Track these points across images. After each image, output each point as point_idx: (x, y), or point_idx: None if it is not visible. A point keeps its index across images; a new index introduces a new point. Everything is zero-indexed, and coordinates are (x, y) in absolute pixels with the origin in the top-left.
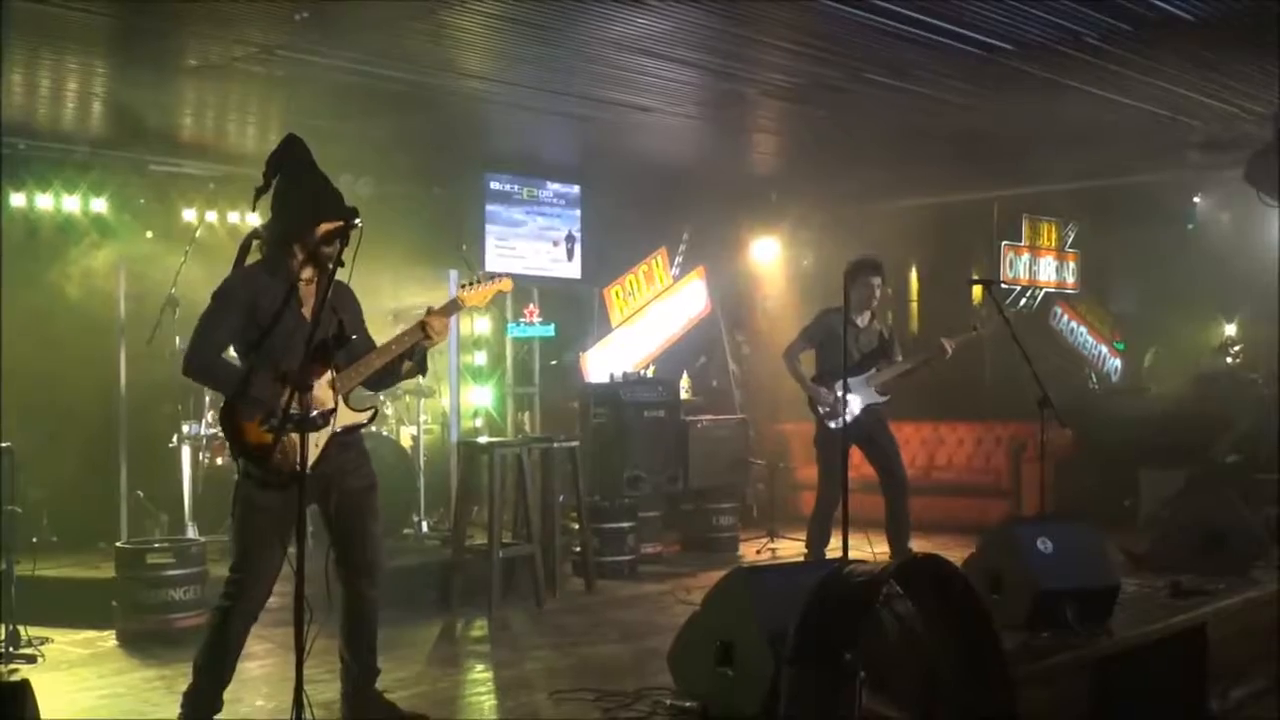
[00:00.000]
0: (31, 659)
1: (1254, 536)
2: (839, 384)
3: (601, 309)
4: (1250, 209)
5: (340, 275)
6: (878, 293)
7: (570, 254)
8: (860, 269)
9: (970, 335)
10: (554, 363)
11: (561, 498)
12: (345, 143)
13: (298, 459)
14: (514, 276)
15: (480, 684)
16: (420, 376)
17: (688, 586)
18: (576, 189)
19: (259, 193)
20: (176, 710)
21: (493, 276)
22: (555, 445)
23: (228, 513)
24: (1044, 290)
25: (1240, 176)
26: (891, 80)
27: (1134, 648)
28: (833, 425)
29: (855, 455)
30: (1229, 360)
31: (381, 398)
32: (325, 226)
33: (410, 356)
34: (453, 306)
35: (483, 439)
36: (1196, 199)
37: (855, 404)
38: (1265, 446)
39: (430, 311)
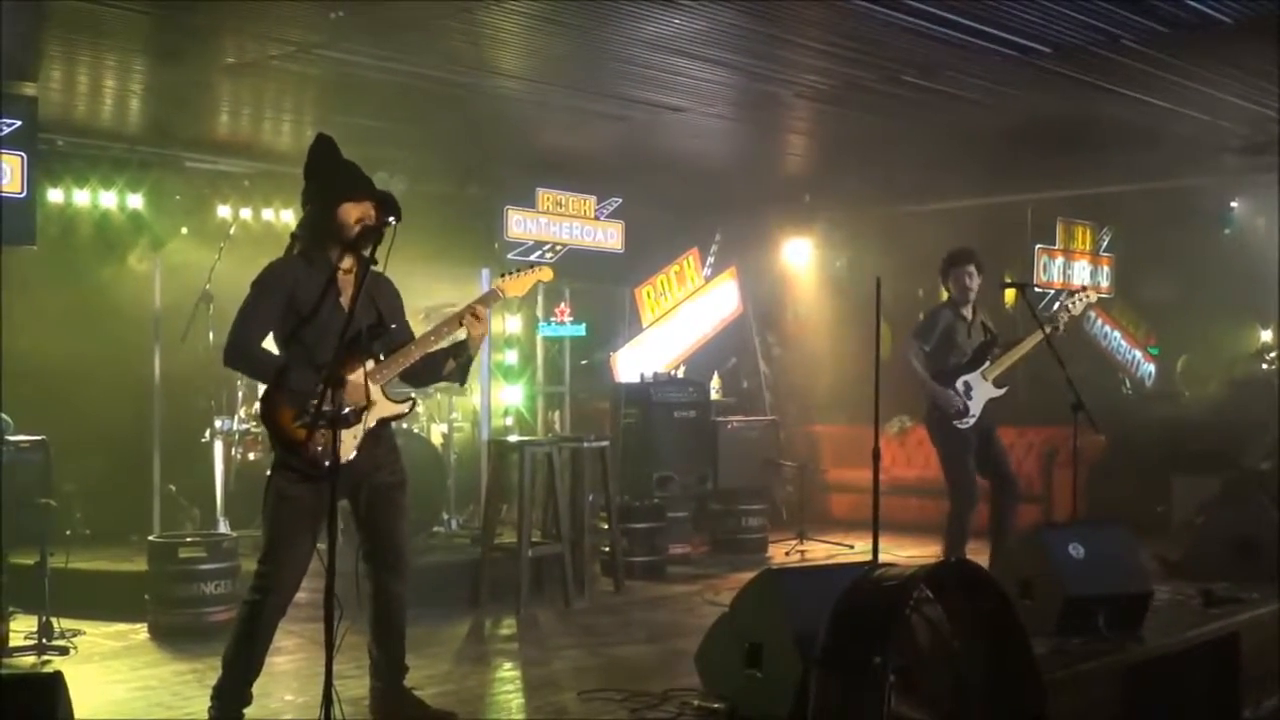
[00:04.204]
0: (64, 651)
1: None
2: (960, 382)
3: (633, 308)
4: None
5: (374, 269)
6: (974, 283)
7: None
8: (954, 260)
9: (1064, 317)
10: (585, 362)
11: (591, 497)
12: (380, 140)
13: (332, 453)
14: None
15: (508, 682)
16: (459, 384)
17: (716, 587)
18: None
19: (303, 197)
20: (207, 704)
21: (532, 266)
22: (585, 445)
23: (259, 508)
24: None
25: (1278, 181)
26: (926, 82)
27: (1166, 655)
28: (960, 425)
29: (887, 456)
30: (1265, 366)
31: (413, 394)
32: (351, 208)
33: (456, 356)
34: (492, 297)
35: (513, 438)
36: (1233, 203)
37: (979, 401)
38: None
39: (470, 308)
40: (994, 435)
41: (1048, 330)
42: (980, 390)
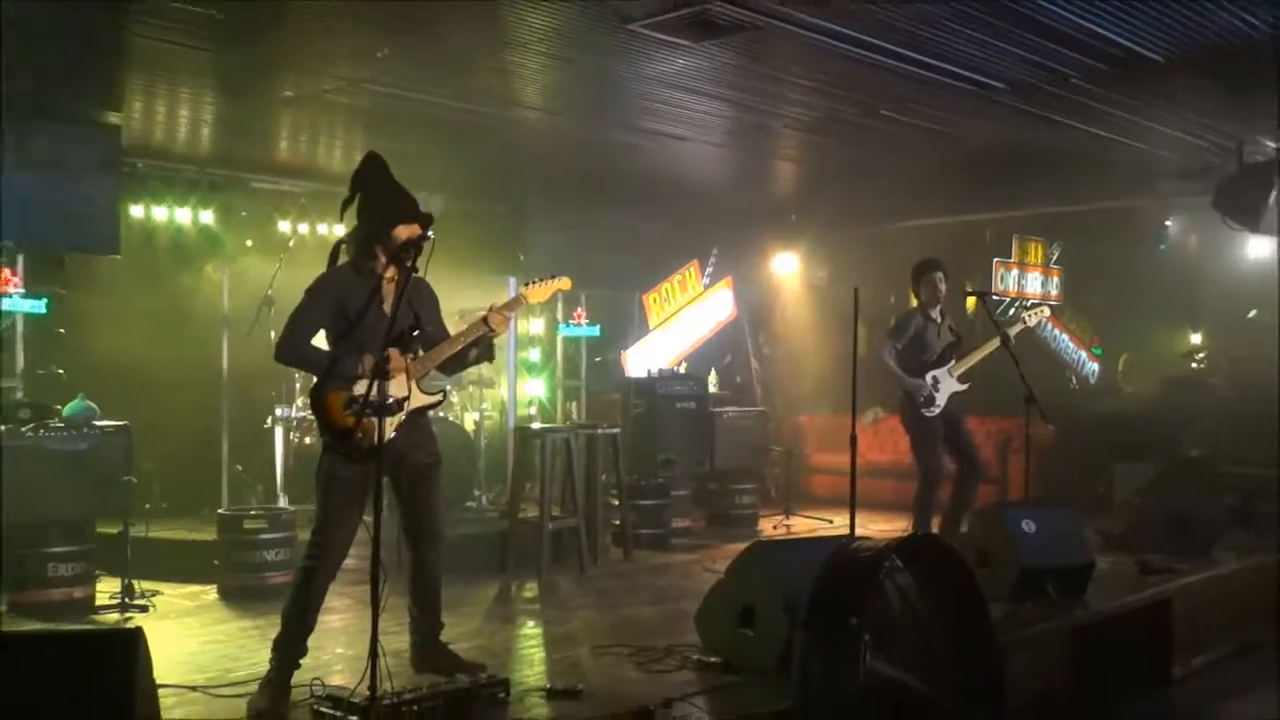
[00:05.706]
0: (144, 609)
1: (1215, 521)
2: (928, 376)
3: (641, 313)
4: (1216, 233)
5: (414, 276)
6: (942, 288)
7: None
8: (924, 268)
9: (1019, 327)
10: (599, 359)
11: (604, 477)
12: (420, 164)
13: (375, 437)
14: None
15: (531, 638)
16: (488, 362)
17: (713, 556)
18: None
19: (345, 205)
20: (268, 655)
21: (553, 276)
22: (599, 431)
23: (314, 485)
24: (1031, 301)
25: (1208, 203)
26: (899, 115)
27: (1107, 618)
28: (927, 414)
29: (863, 442)
30: (1194, 366)
31: (448, 386)
32: (403, 229)
33: (478, 345)
34: (516, 302)
35: (536, 425)
36: (1168, 223)
37: (945, 393)
38: (1225, 443)
39: (493, 308)
40: (962, 424)
41: (1004, 336)
42: (946, 384)
